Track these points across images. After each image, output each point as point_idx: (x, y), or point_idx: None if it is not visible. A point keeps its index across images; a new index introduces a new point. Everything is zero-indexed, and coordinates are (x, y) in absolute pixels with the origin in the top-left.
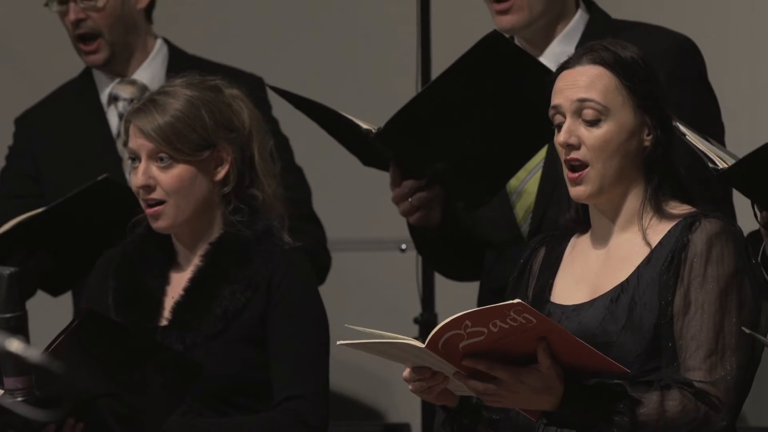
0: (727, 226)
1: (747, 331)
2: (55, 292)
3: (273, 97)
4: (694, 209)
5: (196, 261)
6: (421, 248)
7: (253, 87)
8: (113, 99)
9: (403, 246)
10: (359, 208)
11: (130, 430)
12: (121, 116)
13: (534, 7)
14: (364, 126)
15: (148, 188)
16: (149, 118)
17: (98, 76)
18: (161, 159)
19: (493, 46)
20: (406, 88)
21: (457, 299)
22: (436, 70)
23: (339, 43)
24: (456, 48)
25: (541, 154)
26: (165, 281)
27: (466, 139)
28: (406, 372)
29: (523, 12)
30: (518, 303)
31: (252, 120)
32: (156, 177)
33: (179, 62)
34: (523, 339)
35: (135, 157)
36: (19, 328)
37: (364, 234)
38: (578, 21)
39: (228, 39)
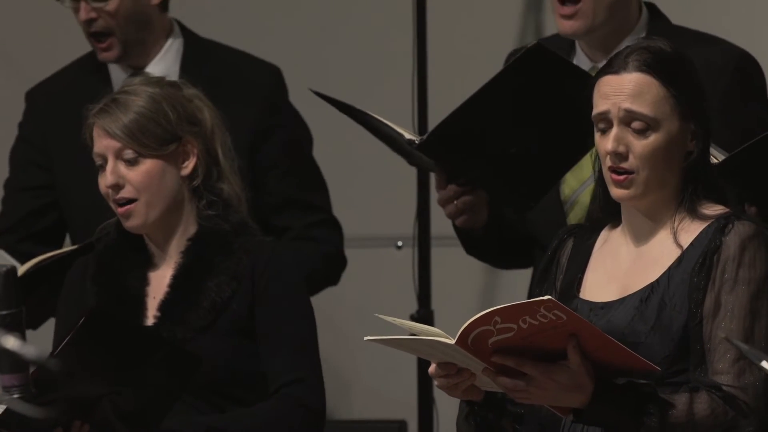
0: (761, 229)
1: (722, 335)
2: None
3: None
4: (726, 210)
5: (175, 258)
6: (468, 248)
7: (271, 75)
8: None
9: (399, 243)
10: (355, 205)
11: (133, 427)
12: None
13: (598, 15)
14: (407, 135)
15: (117, 187)
16: (113, 118)
17: (113, 66)
18: (128, 156)
19: (536, 58)
20: (402, 87)
21: (454, 296)
22: (433, 67)
23: (336, 43)
24: (453, 45)
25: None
26: (144, 282)
27: (510, 147)
28: (432, 368)
29: (587, 19)
30: (548, 299)
31: (213, 118)
32: (124, 175)
33: (194, 51)
34: (553, 335)
35: (101, 161)
36: (16, 325)
37: (361, 231)
38: (641, 26)
39: (224, 34)
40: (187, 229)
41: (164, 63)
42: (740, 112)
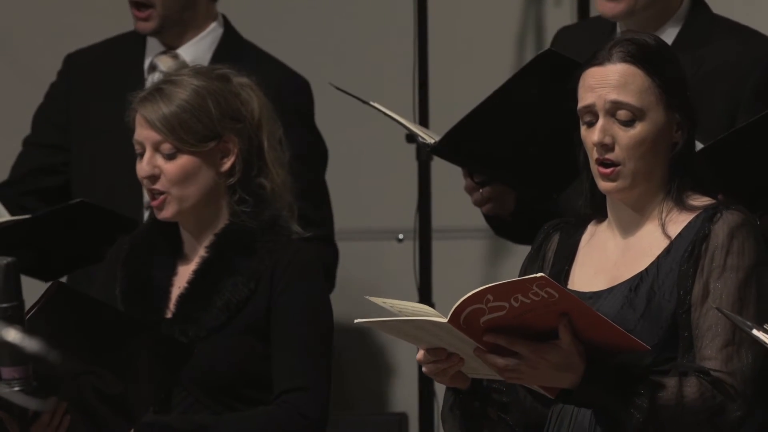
0: (748, 218)
1: (715, 307)
2: (45, 278)
3: None
4: (714, 201)
5: (201, 252)
6: (499, 232)
7: (292, 84)
8: (152, 68)
9: (400, 236)
10: (356, 198)
11: (118, 411)
12: None
13: None
14: (421, 136)
15: (153, 178)
16: (154, 108)
17: (150, 40)
18: (166, 150)
19: (547, 63)
20: (403, 83)
21: (454, 289)
22: (433, 67)
23: (337, 45)
24: (453, 46)
25: None
26: (172, 272)
27: (528, 147)
28: (420, 353)
29: (628, 1)
30: (541, 277)
31: (261, 108)
32: (161, 167)
33: (229, 46)
34: (545, 314)
35: (141, 150)
36: (16, 318)
37: (362, 224)
38: (681, 13)
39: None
40: (219, 223)
41: (198, 48)
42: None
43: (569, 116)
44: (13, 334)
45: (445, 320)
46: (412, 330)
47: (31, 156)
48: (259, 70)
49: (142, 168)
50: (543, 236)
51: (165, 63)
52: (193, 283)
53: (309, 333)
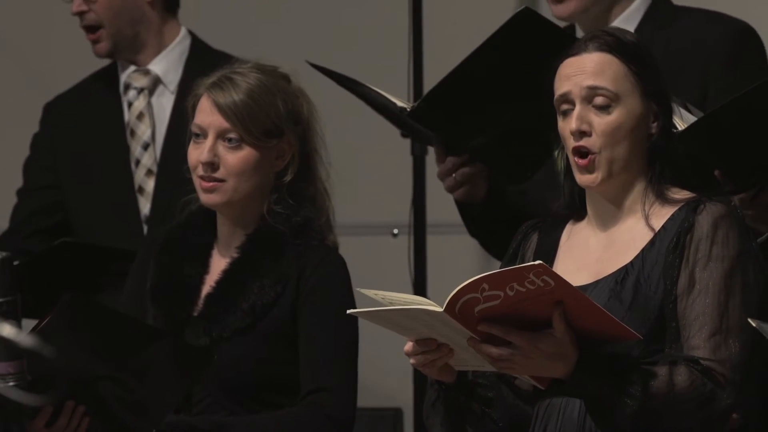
0: (732, 209)
1: (753, 323)
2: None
3: None
4: (695, 194)
5: (233, 252)
6: (468, 226)
7: None
8: (126, 87)
9: (395, 231)
10: (351, 193)
11: (138, 414)
12: (130, 105)
13: None
14: (399, 103)
15: (211, 166)
16: (226, 94)
17: (120, 63)
18: (230, 139)
19: (524, 22)
20: (398, 75)
21: (449, 283)
22: (430, 66)
23: (331, 41)
24: (448, 43)
25: None
26: (204, 269)
27: (504, 115)
28: (409, 345)
29: (578, 1)
30: (539, 264)
31: (310, 114)
32: (221, 156)
33: (201, 56)
34: (539, 303)
35: (200, 133)
36: (11, 313)
37: (356, 219)
38: (639, 4)
39: (216, 34)
40: (254, 223)
41: (167, 61)
42: (738, 79)
43: (548, 89)
44: (7, 329)
45: (440, 309)
46: (404, 320)
47: (26, 202)
48: None
49: (201, 154)
50: (521, 236)
51: (139, 81)
52: (220, 283)
53: (335, 337)
